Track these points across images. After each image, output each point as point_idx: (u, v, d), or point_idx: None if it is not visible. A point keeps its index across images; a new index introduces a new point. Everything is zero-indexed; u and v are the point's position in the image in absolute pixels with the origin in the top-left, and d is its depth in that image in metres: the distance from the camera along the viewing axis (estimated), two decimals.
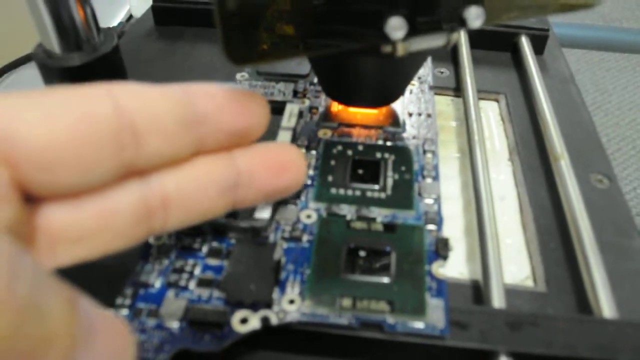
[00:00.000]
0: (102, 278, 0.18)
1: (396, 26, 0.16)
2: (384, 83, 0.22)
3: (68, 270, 0.18)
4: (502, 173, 0.25)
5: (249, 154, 0.17)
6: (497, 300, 0.19)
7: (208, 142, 0.16)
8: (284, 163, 0.17)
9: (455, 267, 0.21)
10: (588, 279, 0.20)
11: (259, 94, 0.25)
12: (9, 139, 0.12)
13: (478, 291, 0.20)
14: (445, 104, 0.29)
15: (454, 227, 0.23)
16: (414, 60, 0.21)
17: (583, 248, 0.21)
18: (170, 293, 0.17)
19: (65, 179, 0.13)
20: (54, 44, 0.23)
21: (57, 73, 0.23)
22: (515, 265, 0.22)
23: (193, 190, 0.16)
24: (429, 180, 0.21)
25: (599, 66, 1.18)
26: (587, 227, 0.21)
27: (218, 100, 0.16)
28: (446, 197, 0.24)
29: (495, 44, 0.32)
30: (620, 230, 0.22)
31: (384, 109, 0.24)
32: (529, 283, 0.21)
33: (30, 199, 0.13)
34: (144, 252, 0.19)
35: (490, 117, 0.28)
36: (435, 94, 0.29)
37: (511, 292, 0.20)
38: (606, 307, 0.19)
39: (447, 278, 0.20)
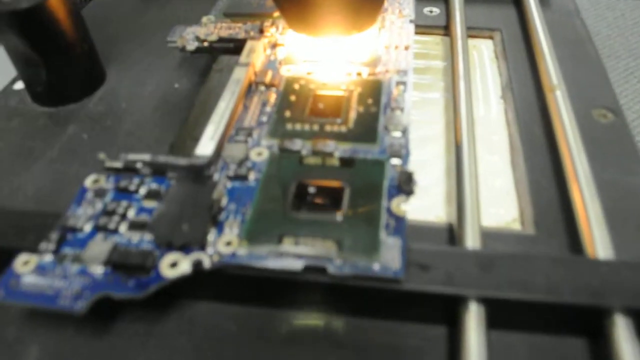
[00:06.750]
0: (36, 225, 0.16)
1: None
2: (350, 6, 0.19)
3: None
4: (492, 111, 0.22)
5: None
6: (471, 242, 0.16)
7: None
8: None
9: (432, 210, 0.19)
10: (582, 219, 0.17)
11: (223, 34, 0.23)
12: None
13: (453, 235, 0.17)
14: (434, 43, 0.26)
15: (435, 169, 0.20)
16: None
17: (579, 185, 0.18)
18: (98, 237, 0.16)
19: None
20: None
21: (5, 18, 0.22)
22: (503, 208, 0.19)
23: None
24: (397, 113, 0.18)
25: (631, 31, 1.11)
26: (584, 161, 0.18)
27: None
28: (428, 138, 0.21)
29: None
30: (624, 167, 0.19)
31: (354, 45, 0.21)
32: (516, 226, 0.18)
33: None
34: (79, 197, 0.17)
35: (484, 55, 0.26)
36: (425, 33, 0.27)
37: (492, 235, 0.17)
38: (601, 249, 0.16)
39: (422, 222, 0.18)
